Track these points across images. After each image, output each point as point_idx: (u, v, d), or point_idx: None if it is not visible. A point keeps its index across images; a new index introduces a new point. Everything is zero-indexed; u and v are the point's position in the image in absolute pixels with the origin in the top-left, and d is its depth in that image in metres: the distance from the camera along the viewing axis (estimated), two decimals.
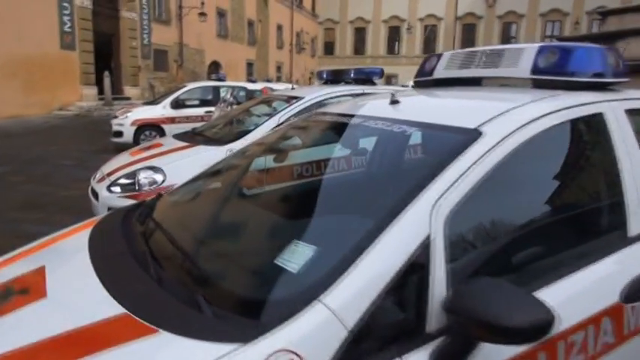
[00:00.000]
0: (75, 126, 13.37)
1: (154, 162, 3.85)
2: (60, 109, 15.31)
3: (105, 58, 17.56)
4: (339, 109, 1.98)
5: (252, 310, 1.05)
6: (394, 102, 1.73)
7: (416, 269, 1.06)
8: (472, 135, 1.29)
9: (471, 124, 1.34)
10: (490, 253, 1.30)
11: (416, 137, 1.50)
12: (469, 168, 1.20)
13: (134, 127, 9.49)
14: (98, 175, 4.02)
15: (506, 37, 35.55)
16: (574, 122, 1.49)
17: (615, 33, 7.09)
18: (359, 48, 40.50)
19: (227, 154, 3.93)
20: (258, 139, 2.18)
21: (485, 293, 1.00)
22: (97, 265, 1.37)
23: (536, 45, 1.75)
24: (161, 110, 9.89)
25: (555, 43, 1.89)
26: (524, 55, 1.74)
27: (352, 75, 4.93)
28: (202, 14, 21.95)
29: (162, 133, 9.65)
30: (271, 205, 1.70)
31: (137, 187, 3.66)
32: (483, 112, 1.41)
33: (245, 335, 0.96)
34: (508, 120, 1.35)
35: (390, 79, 31.07)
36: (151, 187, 3.64)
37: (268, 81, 16.14)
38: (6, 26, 13.31)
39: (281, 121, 4.08)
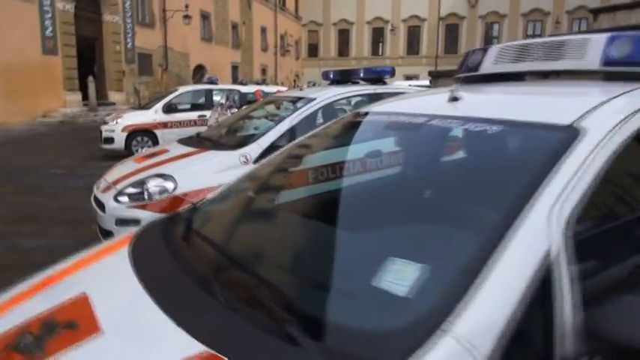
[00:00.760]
0: (61, 133, 12.98)
1: (162, 169, 3.61)
2: (44, 116, 14.83)
3: (88, 62, 17.10)
4: (393, 108, 1.81)
5: (368, 345, 0.87)
6: (454, 99, 1.59)
7: (538, 288, 0.91)
8: (570, 132, 1.17)
9: (563, 120, 1.23)
10: (622, 264, 1.16)
11: (500, 136, 1.35)
12: (579, 167, 1.06)
13: (125, 133, 9.20)
14: (102, 185, 3.77)
15: (488, 37, 35.99)
16: None
17: (608, 30, 7.13)
18: (343, 50, 40.55)
19: (240, 159, 3.76)
20: (302, 141, 1.99)
21: (630, 313, 0.87)
22: (151, 290, 1.19)
23: (604, 35, 1.62)
24: (153, 115, 9.60)
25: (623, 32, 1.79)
26: (592, 45, 1.62)
27: (362, 75, 4.77)
28: (187, 17, 21.62)
29: (154, 138, 9.39)
30: (347, 218, 1.50)
31: (147, 197, 3.43)
32: (572, 106, 1.30)
33: None
34: (606, 114, 1.23)
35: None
36: (162, 196, 3.41)
37: (258, 84, 15.95)
38: None
39: (294, 123, 3.90)
